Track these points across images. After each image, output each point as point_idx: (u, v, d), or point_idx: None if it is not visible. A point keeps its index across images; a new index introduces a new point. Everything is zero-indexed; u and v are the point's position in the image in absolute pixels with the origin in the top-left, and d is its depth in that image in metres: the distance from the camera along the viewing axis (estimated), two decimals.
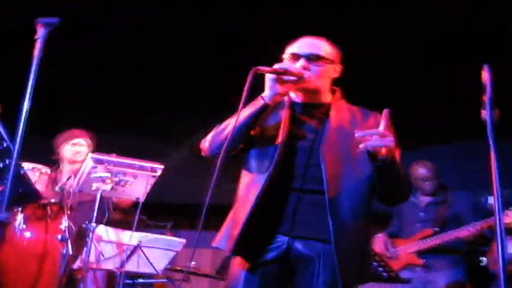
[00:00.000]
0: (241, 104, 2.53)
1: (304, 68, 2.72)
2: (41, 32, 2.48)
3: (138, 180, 4.29)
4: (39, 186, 4.20)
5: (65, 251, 4.04)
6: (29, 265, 4.16)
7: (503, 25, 5.87)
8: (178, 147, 7.56)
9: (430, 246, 5.06)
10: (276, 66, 2.65)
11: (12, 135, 2.41)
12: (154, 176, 4.30)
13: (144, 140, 7.70)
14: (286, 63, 2.73)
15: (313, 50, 2.78)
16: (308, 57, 2.75)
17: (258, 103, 2.67)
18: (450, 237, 4.95)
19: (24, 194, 2.42)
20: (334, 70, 2.86)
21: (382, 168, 2.51)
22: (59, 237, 4.06)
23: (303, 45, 2.82)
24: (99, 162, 4.16)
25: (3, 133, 2.43)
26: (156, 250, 4.51)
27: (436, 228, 5.12)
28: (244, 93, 2.51)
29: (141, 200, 4.50)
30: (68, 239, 4.05)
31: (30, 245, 4.22)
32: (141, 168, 4.26)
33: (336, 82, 2.91)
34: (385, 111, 2.55)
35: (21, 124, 2.37)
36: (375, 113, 2.81)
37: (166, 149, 7.60)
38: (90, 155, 4.18)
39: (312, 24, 5.80)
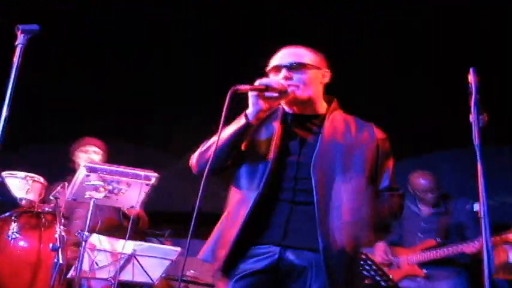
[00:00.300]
0: (220, 125, 2.48)
1: (287, 78, 2.67)
2: (21, 39, 2.46)
3: (132, 188, 4.26)
4: (32, 195, 4.19)
5: (56, 260, 3.99)
6: (22, 274, 4.15)
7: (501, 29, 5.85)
8: (178, 157, 7.56)
9: (433, 258, 5.00)
10: (257, 82, 2.59)
11: None
12: (148, 184, 4.27)
13: (143, 149, 7.69)
14: (267, 78, 2.68)
15: (295, 59, 2.73)
16: (290, 67, 2.70)
17: (241, 121, 2.63)
18: (454, 252, 4.88)
19: (2, 203, 2.39)
20: (322, 76, 2.80)
21: None
22: (51, 246, 4.02)
23: (283, 55, 2.77)
24: (92, 170, 4.13)
25: None
26: (151, 259, 4.48)
27: (439, 239, 5.06)
28: (224, 113, 2.46)
29: (136, 207, 4.47)
30: (59, 248, 4.01)
31: (24, 254, 4.22)
32: (135, 176, 4.22)
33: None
34: None
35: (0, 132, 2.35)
36: (369, 125, 2.79)
37: (166, 158, 7.58)
38: (84, 163, 4.16)
39: (309, 27, 5.79)
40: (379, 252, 5.35)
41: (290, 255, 2.57)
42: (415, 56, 6.38)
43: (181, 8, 6.46)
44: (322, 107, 2.80)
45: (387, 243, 5.40)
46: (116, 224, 4.87)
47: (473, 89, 2.40)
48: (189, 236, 2.42)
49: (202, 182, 2.46)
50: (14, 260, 4.17)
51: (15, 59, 2.44)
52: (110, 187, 4.18)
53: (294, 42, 2.83)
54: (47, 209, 4.35)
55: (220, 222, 2.71)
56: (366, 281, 4.26)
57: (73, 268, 4.18)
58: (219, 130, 2.51)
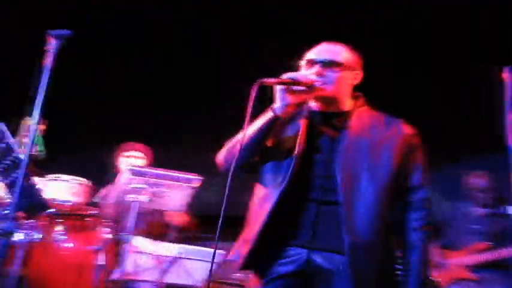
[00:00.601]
0: (246, 118, 2.45)
1: (318, 74, 2.64)
2: (52, 44, 2.49)
3: (175, 191, 4.30)
4: (77, 197, 4.26)
5: (99, 262, 4.06)
6: (68, 275, 4.22)
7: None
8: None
9: (485, 261, 4.83)
10: (284, 76, 2.56)
11: None
12: (191, 187, 4.28)
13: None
14: (294, 72, 2.63)
15: (330, 56, 2.69)
16: (323, 63, 2.67)
17: (267, 115, 2.61)
18: (508, 255, 4.71)
19: (34, 204, 2.44)
20: (354, 77, 2.76)
21: None
22: (94, 248, 4.09)
23: (320, 51, 2.74)
24: (136, 173, 4.18)
25: (13, 146, 2.45)
26: (196, 261, 4.47)
27: (491, 243, 4.89)
28: (249, 107, 2.43)
29: (181, 210, 4.50)
30: (101, 250, 4.08)
31: (69, 256, 4.29)
32: (178, 179, 4.25)
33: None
34: None
35: (31, 136, 2.38)
36: (397, 121, 2.72)
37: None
38: (128, 166, 4.21)
39: (309, 27, 5.76)
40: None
41: (318, 258, 2.53)
42: (416, 57, 6.25)
43: (181, 8, 6.50)
44: (348, 104, 2.75)
45: (441, 245, 5.26)
46: (161, 227, 4.91)
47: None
48: (217, 236, 2.40)
49: (229, 178, 2.42)
50: (59, 262, 4.25)
51: (48, 64, 2.47)
52: (154, 190, 4.23)
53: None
54: (92, 211, 4.42)
55: (246, 220, 2.70)
56: None
57: (118, 270, 4.24)
58: (245, 125, 2.47)
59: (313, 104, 2.75)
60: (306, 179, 2.59)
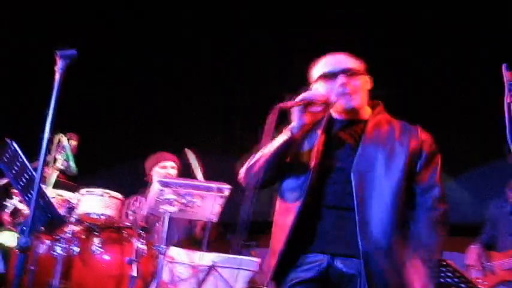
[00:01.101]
0: (265, 143, 2.56)
1: (345, 85, 2.67)
2: (60, 64, 2.57)
3: (206, 201, 4.33)
4: (110, 211, 4.36)
5: (133, 273, 4.14)
6: (106, 287, 4.31)
7: None
8: None
9: None
10: (300, 97, 2.61)
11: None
12: (222, 197, 4.31)
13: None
14: (309, 92, 2.67)
15: (347, 65, 2.74)
16: (345, 72, 2.70)
17: (285, 136, 2.65)
18: None
19: (52, 219, 2.52)
20: (367, 82, 2.80)
21: None
22: (127, 259, 4.18)
23: (333, 62, 2.77)
24: (165, 185, 4.24)
25: (27, 163, 2.54)
26: (232, 270, 4.49)
27: None
28: (268, 132, 2.50)
29: (214, 220, 4.54)
30: (134, 261, 4.16)
31: (107, 267, 4.39)
32: (208, 189, 4.29)
33: None
34: None
35: (42, 153, 2.46)
36: (414, 128, 2.73)
37: None
38: (157, 178, 4.28)
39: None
40: (471, 255, 5.12)
41: (338, 263, 2.55)
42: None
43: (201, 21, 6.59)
44: (366, 112, 2.79)
45: (483, 245, 5.14)
46: (195, 237, 4.97)
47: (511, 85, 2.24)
48: (238, 245, 2.47)
49: (250, 196, 2.52)
50: (98, 273, 4.36)
51: (56, 84, 2.55)
52: (184, 201, 4.28)
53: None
54: (126, 223, 4.51)
55: (271, 233, 2.72)
56: None
57: (155, 281, 4.31)
58: (263, 146, 2.59)
59: (334, 114, 2.79)
60: (324, 187, 2.63)
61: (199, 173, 5.04)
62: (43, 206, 2.47)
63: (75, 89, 6.96)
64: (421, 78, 6.59)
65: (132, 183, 5.32)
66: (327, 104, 2.63)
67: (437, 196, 2.61)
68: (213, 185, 4.30)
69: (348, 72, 2.70)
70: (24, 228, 2.31)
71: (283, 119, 2.66)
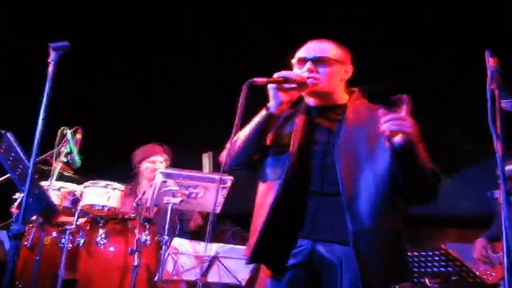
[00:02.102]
0: (237, 119, 2.53)
1: (311, 71, 2.70)
2: (52, 56, 2.62)
3: (209, 192, 4.37)
4: (114, 202, 4.42)
5: (135, 263, 4.20)
6: (111, 277, 4.39)
7: None
8: None
9: None
10: (275, 75, 2.63)
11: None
12: (224, 187, 4.34)
13: None
14: (285, 71, 2.68)
15: (320, 53, 2.76)
16: (314, 60, 2.74)
17: (262, 114, 2.68)
18: None
19: (46, 208, 2.58)
20: (345, 71, 2.82)
21: (399, 153, 2.41)
22: (129, 249, 4.24)
23: (309, 48, 2.81)
24: (168, 176, 4.29)
25: (21, 154, 2.59)
26: (235, 260, 4.53)
27: None
28: (240, 107, 2.51)
29: (217, 211, 4.57)
30: (136, 252, 4.22)
31: (112, 258, 4.45)
32: (211, 180, 4.33)
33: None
34: (405, 97, 2.43)
35: (35, 145, 2.51)
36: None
37: None
38: (160, 170, 4.33)
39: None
40: (478, 248, 5.08)
41: (321, 249, 2.57)
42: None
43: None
44: (343, 97, 2.81)
45: (488, 238, 5.11)
46: (198, 228, 5.01)
47: (494, 72, 2.24)
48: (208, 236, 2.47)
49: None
50: (103, 264, 4.42)
51: (49, 75, 2.60)
52: (187, 192, 4.32)
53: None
54: (130, 215, 4.57)
55: (252, 218, 2.76)
56: (453, 278, 4.05)
57: (160, 271, 4.36)
58: (236, 123, 2.55)
59: (310, 100, 2.81)
60: (305, 171, 2.65)
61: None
62: (38, 195, 2.51)
63: (81, 86, 7.13)
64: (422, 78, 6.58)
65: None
66: (301, 83, 2.65)
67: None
68: (216, 176, 4.34)
69: (318, 60, 2.73)
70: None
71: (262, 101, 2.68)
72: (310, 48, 2.79)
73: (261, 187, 2.75)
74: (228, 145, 2.77)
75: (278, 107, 2.65)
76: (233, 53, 6.99)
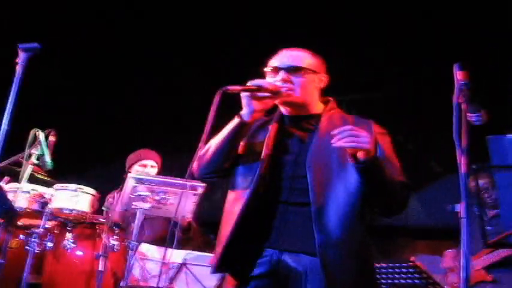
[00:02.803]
0: (207, 126, 2.52)
1: (284, 81, 2.69)
2: (21, 57, 2.60)
3: (180, 198, 4.33)
4: (83, 206, 4.38)
5: (100, 268, 4.17)
6: (77, 282, 4.36)
7: None
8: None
9: (497, 260, 4.71)
10: (249, 83, 2.62)
11: None
12: (195, 194, 4.32)
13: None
14: (258, 79, 2.67)
15: (293, 62, 2.74)
16: (288, 70, 2.72)
17: (234, 122, 2.66)
18: None
19: (7, 210, 2.54)
20: (319, 80, 2.81)
21: (362, 170, 2.43)
22: (97, 254, 4.21)
23: (282, 57, 2.79)
24: (139, 181, 4.25)
25: None
26: (204, 268, 4.50)
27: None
28: (211, 114, 2.50)
29: (187, 217, 4.56)
30: (101, 256, 4.18)
31: (79, 263, 4.43)
32: (182, 186, 4.29)
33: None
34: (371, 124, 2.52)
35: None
36: (368, 122, 2.73)
37: None
38: (131, 174, 4.29)
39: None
40: (447, 258, 5.14)
41: (287, 259, 2.56)
42: None
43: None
44: (318, 107, 2.80)
45: (458, 251, 5.16)
46: (165, 235, 4.97)
47: (462, 85, 2.26)
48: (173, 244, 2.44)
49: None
50: (69, 269, 4.39)
51: (16, 76, 2.57)
52: (158, 197, 4.28)
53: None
54: (99, 219, 4.53)
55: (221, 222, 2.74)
56: None
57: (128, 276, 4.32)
58: (206, 131, 2.54)
59: (283, 109, 2.81)
60: (275, 181, 2.64)
61: None
62: (1, 197, 2.48)
63: (56, 88, 7.08)
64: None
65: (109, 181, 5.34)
66: (275, 92, 2.64)
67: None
68: (188, 182, 4.30)
69: (291, 69, 2.71)
70: None
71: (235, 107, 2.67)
72: (284, 57, 2.78)
73: (230, 195, 2.73)
74: (198, 152, 2.75)
75: (250, 115, 2.63)
76: (233, 53, 6.97)
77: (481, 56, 5.63)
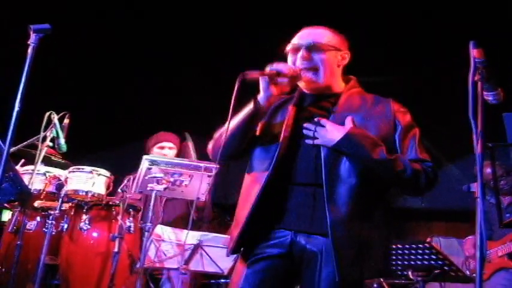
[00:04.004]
0: (230, 111, 2.52)
1: (304, 58, 2.66)
2: (32, 38, 2.59)
3: (194, 180, 4.34)
4: (99, 188, 4.40)
5: (115, 249, 4.19)
6: (93, 263, 4.36)
7: None
8: None
9: None
10: (268, 68, 2.59)
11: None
12: (210, 176, 4.32)
13: None
14: (277, 64, 2.63)
15: (314, 39, 2.71)
16: (308, 47, 2.69)
17: (250, 106, 2.63)
18: None
19: (21, 192, 2.56)
20: (342, 57, 2.77)
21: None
22: (110, 236, 4.23)
23: (303, 35, 2.76)
24: (154, 163, 4.26)
25: None
26: (218, 249, 4.51)
27: None
28: (233, 101, 2.49)
29: (202, 199, 4.56)
30: (117, 238, 4.21)
31: (95, 245, 4.43)
32: (196, 168, 4.30)
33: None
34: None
35: (11, 127, 2.48)
36: (387, 100, 2.70)
37: None
38: (145, 156, 4.30)
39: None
40: (467, 246, 5.13)
41: (302, 240, 2.55)
42: None
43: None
44: (339, 86, 2.77)
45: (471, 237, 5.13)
46: (185, 216, 4.99)
47: (478, 63, 2.21)
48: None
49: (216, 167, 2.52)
50: (85, 250, 4.40)
51: (28, 58, 2.56)
52: (172, 179, 4.30)
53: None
54: (114, 201, 4.55)
55: (236, 209, 2.73)
56: (436, 271, 4.06)
57: (146, 258, 4.34)
58: (229, 117, 2.55)
59: (303, 87, 2.77)
60: (292, 162, 2.62)
61: (193, 155, 5.06)
62: (13, 178, 2.49)
63: (72, 71, 7.10)
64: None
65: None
66: (294, 77, 2.62)
67: (426, 165, 2.59)
68: (201, 164, 4.31)
69: (311, 46, 2.68)
70: None
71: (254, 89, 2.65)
72: (304, 35, 2.75)
73: (247, 178, 2.71)
74: (215, 135, 2.75)
75: (268, 99, 2.62)
76: (234, 53, 6.95)
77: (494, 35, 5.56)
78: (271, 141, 2.65)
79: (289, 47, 2.76)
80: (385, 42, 6.63)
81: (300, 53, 2.69)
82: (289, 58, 2.75)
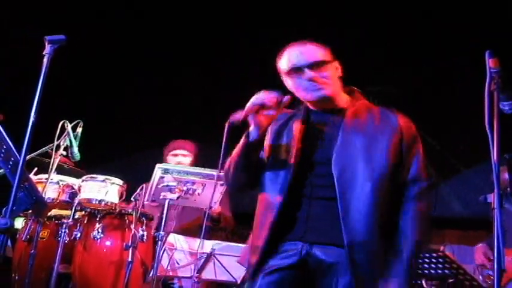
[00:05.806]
0: (220, 159, 2.64)
1: (313, 79, 2.64)
2: (47, 49, 2.60)
3: (207, 188, 4.34)
4: (111, 196, 4.41)
5: (129, 258, 4.19)
6: (107, 272, 4.36)
7: None
8: None
9: None
10: (249, 104, 2.57)
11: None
12: (222, 184, 4.31)
13: None
14: (257, 96, 2.59)
15: (311, 57, 2.68)
16: (311, 67, 2.66)
17: (244, 141, 2.65)
18: None
19: (36, 201, 2.56)
20: (337, 69, 2.76)
21: None
22: (124, 245, 4.24)
23: (298, 55, 2.71)
24: (166, 171, 4.26)
25: (11, 148, 2.57)
26: (232, 258, 4.50)
27: None
28: (223, 147, 2.59)
29: (215, 207, 4.56)
30: (131, 247, 4.21)
31: (108, 253, 4.44)
32: (209, 176, 4.29)
33: None
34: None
35: (27, 137, 2.49)
36: (392, 113, 2.71)
37: None
38: (158, 164, 4.30)
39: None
40: (478, 254, 5.07)
41: (317, 251, 2.54)
42: None
43: None
44: (343, 99, 2.75)
45: (489, 244, 5.08)
46: (199, 225, 4.98)
47: (494, 73, 2.20)
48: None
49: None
50: (98, 259, 4.40)
51: (43, 69, 2.58)
52: (185, 188, 4.30)
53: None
54: (127, 210, 4.56)
55: (252, 232, 2.73)
56: (450, 280, 4.04)
57: (159, 267, 4.33)
58: (220, 163, 2.68)
59: (310, 105, 2.77)
60: (306, 179, 2.61)
61: None
62: (28, 188, 2.50)
63: (86, 80, 7.13)
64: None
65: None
66: (279, 103, 2.59)
67: (423, 186, 2.59)
68: (214, 172, 4.30)
69: (314, 65, 2.66)
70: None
71: None
72: (299, 55, 2.70)
73: (261, 200, 2.71)
74: (226, 165, 2.76)
75: (259, 131, 2.61)
76: (233, 53, 6.96)
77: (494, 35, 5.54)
78: (282, 163, 2.65)
79: (286, 69, 2.73)
80: (385, 42, 6.59)
81: (305, 75, 2.66)
82: (289, 80, 2.73)
